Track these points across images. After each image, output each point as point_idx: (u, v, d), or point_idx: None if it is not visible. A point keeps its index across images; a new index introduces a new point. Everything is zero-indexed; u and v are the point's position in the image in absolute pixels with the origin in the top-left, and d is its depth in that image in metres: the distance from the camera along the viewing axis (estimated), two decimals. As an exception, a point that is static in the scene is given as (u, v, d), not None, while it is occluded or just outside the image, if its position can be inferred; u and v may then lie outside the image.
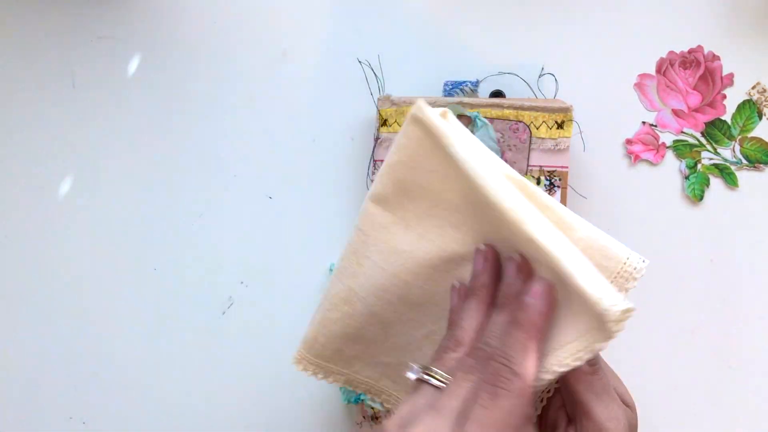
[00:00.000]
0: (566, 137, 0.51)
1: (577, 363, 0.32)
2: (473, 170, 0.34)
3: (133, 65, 0.57)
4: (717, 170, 0.54)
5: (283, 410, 0.54)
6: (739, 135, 0.54)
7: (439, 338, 0.38)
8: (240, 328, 0.55)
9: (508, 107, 0.51)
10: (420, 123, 0.36)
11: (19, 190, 0.56)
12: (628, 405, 0.36)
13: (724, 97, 0.55)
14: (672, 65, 0.55)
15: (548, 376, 0.32)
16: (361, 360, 0.42)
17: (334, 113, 0.56)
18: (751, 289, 0.54)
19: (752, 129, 0.54)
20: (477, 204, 0.35)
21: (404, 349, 0.41)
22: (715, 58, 0.55)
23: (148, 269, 0.55)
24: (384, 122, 0.52)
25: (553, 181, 0.51)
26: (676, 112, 0.55)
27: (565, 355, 0.32)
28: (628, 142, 0.55)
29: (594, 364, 0.35)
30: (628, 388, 0.38)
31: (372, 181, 0.53)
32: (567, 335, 0.32)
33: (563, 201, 0.51)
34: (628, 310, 0.30)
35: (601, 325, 0.30)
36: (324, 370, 0.42)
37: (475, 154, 0.35)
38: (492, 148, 0.51)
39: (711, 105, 0.55)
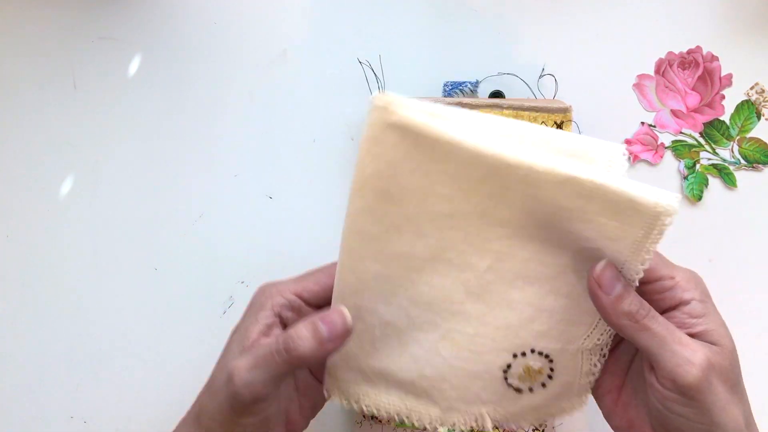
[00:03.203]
0: (566, 137, 0.51)
1: (647, 265, 0.35)
2: (476, 144, 0.34)
3: (134, 66, 0.57)
4: (716, 170, 0.54)
5: (283, 409, 0.54)
6: (737, 135, 0.55)
7: (457, 336, 0.38)
8: (240, 327, 0.55)
9: (508, 108, 0.51)
10: (394, 126, 0.34)
11: (20, 190, 0.56)
12: (713, 342, 0.35)
13: (723, 97, 0.55)
14: (671, 66, 0.55)
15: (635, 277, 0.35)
16: (385, 380, 0.41)
17: (334, 113, 0.56)
18: (750, 289, 0.54)
19: (751, 129, 0.55)
20: (477, 178, 0.35)
21: (423, 359, 0.40)
22: (714, 58, 0.55)
23: (149, 269, 0.55)
24: (384, 122, 0.52)
25: (552, 181, 0.51)
26: (674, 113, 0.55)
27: (634, 267, 0.35)
28: (627, 142, 0.55)
29: (640, 315, 0.35)
30: (722, 322, 0.37)
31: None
32: (625, 249, 0.35)
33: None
34: (675, 200, 0.33)
35: (654, 223, 0.33)
36: (353, 396, 0.41)
37: (468, 130, 0.35)
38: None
39: (710, 105, 0.55)
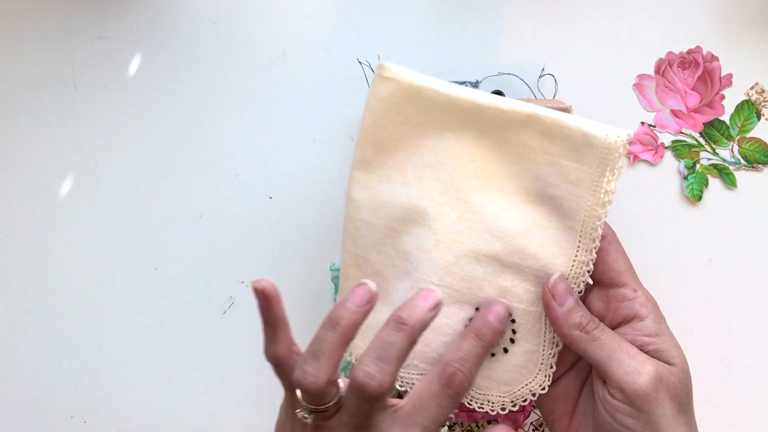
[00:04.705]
0: (565, 137, 0.51)
1: (606, 209, 0.37)
2: (452, 91, 0.38)
3: (134, 66, 0.57)
4: (715, 170, 0.54)
5: (283, 409, 0.54)
6: (737, 135, 0.55)
7: (423, 286, 0.39)
8: (241, 327, 0.55)
9: (508, 108, 0.51)
10: (386, 80, 0.39)
11: (20, 190, 0.56)
12: (665, 361, 0.36)
13: (723, 97, 0.55)
14: (671, 66, 0.55)
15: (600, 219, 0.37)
16: (368, 328, 0.41)
17: (334, 113, 0.56)
18: (750, 289, 0.54)
19: (751, 129, 0.55)
20: (456, 126, 0.39)
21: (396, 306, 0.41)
22: (714, 58, 0.55)
23: (149, 269, 0.55)
24: (384, 122, 0.53)
25: (552, 181, 0.51)
26: (674, 113, 0.55)
27: (595, 213, 0.37)
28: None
29: (590, 327, 0.37)
30: (676, 343, 0.38)
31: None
32: (585, 193, 0.37)
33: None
34: (628, 136, 0.36)
35: (607, 159, 0.36)
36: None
37: (449, 85, 0.39)
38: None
39: (710, 105, 0.55)
